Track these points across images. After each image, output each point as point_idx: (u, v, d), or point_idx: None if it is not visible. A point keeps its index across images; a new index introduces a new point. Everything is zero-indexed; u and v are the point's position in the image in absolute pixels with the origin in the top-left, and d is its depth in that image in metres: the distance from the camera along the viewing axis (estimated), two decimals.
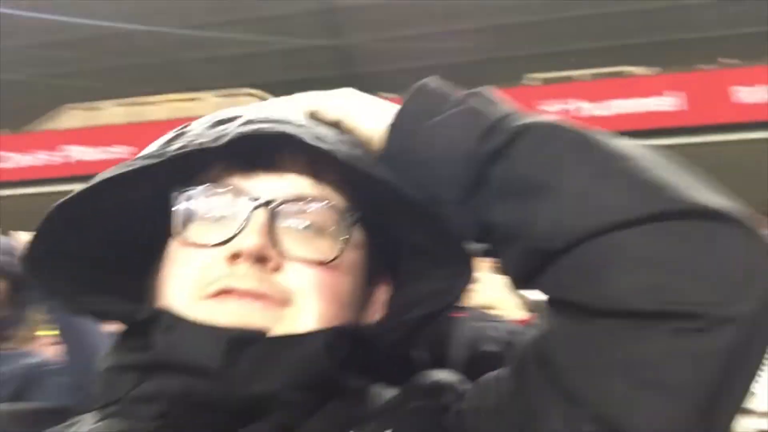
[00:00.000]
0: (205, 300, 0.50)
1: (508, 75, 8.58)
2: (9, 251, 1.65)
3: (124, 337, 0.55)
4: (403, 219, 0.55)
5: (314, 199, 0.54)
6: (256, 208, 0.51)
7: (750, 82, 7.79)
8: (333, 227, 0.54)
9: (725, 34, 9.87)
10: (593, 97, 8.19)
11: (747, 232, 0.42)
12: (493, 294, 1.47)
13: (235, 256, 0.50)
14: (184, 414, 0.47)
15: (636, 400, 0.42)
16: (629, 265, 0.42)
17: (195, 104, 9.27)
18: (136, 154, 0.55)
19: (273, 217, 0.52)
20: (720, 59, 8.35)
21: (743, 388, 0.43)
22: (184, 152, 0.51)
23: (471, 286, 0.54)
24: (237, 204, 0.53)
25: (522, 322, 1.44)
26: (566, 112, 7.95)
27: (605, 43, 10.35)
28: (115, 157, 9.07)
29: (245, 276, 0.50)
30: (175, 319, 0.50)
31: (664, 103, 7.95)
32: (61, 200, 0.52)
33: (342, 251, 0.54)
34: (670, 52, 9.68)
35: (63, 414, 0.57)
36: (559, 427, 0.44)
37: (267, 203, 0.52)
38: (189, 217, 0.54)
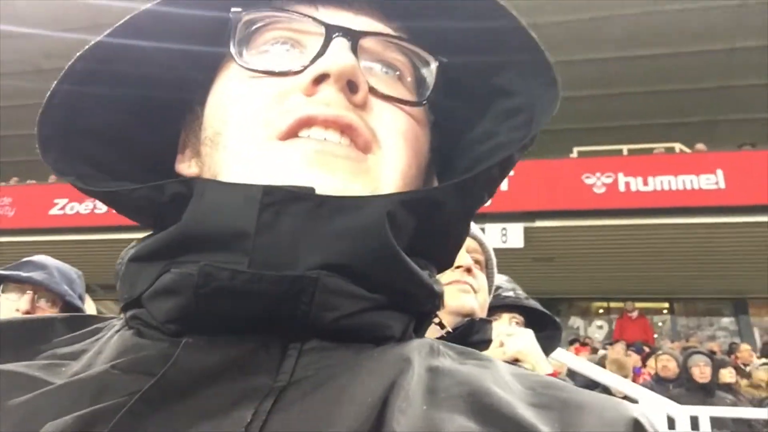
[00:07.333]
0: (278, 141, 0.40)
1: (558, 147, 8.74)
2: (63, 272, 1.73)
3: (148, 230, 0.44)
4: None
5: (394, 38, 0.45)
6: (336, 35, 0.42)
7: None
8: (412, 75, 0.46)
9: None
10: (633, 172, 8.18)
11: None
12: (522, 347, 1.50)
13: (318, 80, 0.41)
14: (204, 308, 0.36)
15: None
16: None
17: None
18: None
19: (354, 50, 0.42)
20: None
21: None
22: None
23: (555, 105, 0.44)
24: (309, 32, 0.43)
25: (552, 375, 1.46)
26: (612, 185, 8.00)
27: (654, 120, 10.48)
28: None
29: (331, 103, 0.41)
30: (208, 183, 0.39)
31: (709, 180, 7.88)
32: (85, 49, 0.42)
33: (426, 98, 0.46)
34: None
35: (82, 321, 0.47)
36: None
37: (346, 32, 0.42)
38: (250, 44, 0.44)
